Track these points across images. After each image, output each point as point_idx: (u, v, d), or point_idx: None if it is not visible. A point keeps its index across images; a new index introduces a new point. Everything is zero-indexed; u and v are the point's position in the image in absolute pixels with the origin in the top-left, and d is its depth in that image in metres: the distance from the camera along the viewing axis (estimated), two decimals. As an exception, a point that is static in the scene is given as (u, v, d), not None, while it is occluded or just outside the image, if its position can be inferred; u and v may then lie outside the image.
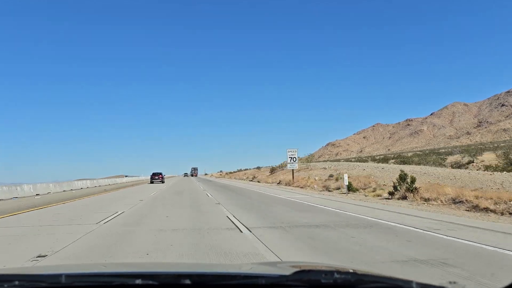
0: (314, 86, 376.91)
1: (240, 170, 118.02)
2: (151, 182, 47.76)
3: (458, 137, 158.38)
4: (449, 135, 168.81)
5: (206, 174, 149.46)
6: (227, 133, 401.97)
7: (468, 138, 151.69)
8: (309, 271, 1.64)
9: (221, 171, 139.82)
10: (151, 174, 49.79)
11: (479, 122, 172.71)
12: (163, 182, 47.95)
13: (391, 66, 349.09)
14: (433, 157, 51.52)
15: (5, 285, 1.46)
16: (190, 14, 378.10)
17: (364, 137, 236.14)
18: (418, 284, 1.42)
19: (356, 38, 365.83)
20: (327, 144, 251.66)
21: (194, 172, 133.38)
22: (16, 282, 1.47)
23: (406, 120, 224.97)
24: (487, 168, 28.13)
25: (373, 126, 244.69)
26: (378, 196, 18.70)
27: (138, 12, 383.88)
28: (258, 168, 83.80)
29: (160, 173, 49.31)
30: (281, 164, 54.71)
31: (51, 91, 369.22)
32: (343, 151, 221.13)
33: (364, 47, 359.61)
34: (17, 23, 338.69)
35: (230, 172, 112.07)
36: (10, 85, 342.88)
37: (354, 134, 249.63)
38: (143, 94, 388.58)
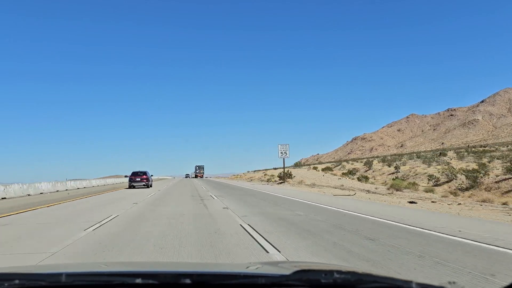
0: (330, 82, 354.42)
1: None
2: (130, 187, 33.10)
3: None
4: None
5: (236, 176, 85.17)
6: (228, 133, 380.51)
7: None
8: (309, 270, 1.64)
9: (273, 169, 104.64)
10: (130, 174, 34.55)
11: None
12: (148, 186, 33.33)
13: (421, 60, 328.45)
14: None
15: (5, 284, 1.45)
16: (190, 14, 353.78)
17: (398, 130, 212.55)
18: (418, 284, 1.41)
19: (363, 37, 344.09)
20: (355, 139, 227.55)
21: (198, 173, 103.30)
22: (17, 281, 1.47)
23: (448, 110, 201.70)
24: None
25: (407, 117, 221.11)
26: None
27: (138, 12, 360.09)
28: (330, 169, 56.68)
29: (144, 173, 34.38)
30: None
31: (52, 91, 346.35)
32: (378, 145, 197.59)
33: (376, 44, 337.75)
34: (18, 23, 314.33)
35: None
36: (10, 85, 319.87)
37: (384, 126, 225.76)
38: (143, 94, 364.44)
